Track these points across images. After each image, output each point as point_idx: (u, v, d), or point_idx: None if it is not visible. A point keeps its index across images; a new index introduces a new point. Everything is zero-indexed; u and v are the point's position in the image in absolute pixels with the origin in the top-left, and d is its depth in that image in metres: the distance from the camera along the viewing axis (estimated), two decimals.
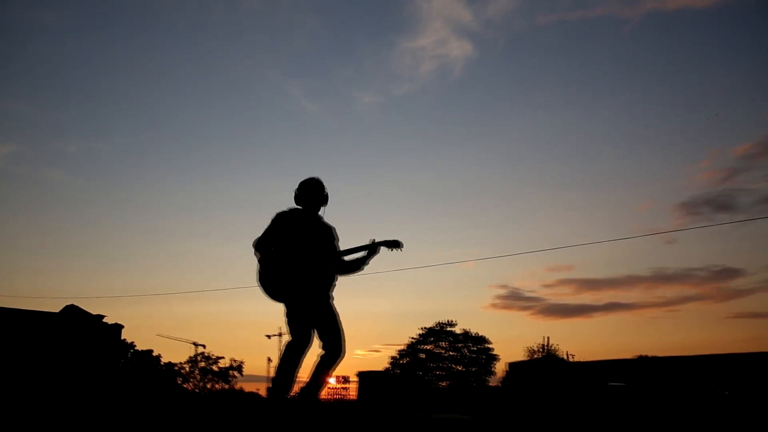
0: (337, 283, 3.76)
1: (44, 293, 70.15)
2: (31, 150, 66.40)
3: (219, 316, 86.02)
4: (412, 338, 42.45)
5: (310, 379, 3.62)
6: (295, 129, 75.03)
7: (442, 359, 40.97)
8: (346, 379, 65.87)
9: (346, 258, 3.82)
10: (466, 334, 41.56)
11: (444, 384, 40.46)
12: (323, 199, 3.80)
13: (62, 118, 67.62)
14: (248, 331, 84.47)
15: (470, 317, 74.10)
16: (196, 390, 46.95)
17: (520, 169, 75.68)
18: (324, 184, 3.83)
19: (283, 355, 3.57)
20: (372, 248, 3.74)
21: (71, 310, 32.33)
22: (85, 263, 71.76)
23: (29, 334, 28.07)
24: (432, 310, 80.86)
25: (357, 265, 3.79)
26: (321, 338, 3.65)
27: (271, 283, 3.59)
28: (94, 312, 32.95)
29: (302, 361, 3.58)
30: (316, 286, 3.61)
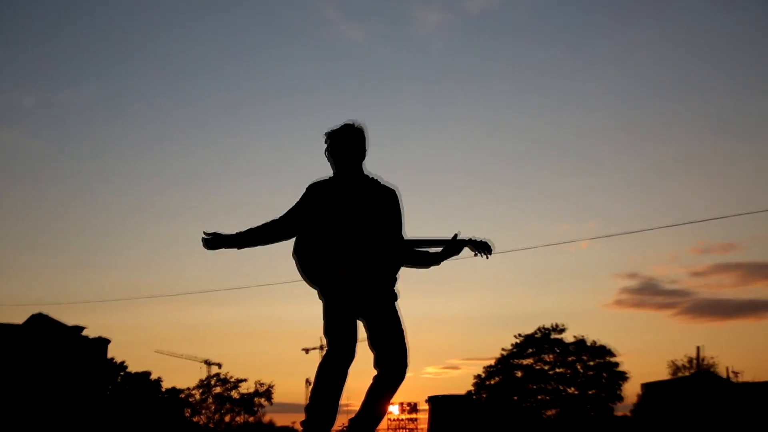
0: (399, 275, 3.84)
1: (2, 299, 73.35)
2: None
3: (238, 325, 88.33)
4: (505, 350, 42.70)
5: (362, 408, 3.70)
6: (334, 64, 74.91)
7: (547, 378, 40.97)
8: (413, 407, 66.62)
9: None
10: (580, 344, 41.40)
11: (551, 413, 40.46)
12: (359, 153, 3.89)
13: (14, 63, 69.95)
14: (279, 344, 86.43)
15: (586, 320, 73.08)
16: (211, 425, 48.23)
17: (652, 111, 73.16)
18: (364, 131, 3.90)
19: (318, 373, 3.66)
20: (453, 246, 3.84)
21: (39, 321, 33.34)
22: (55, 257, 74.78)
23: None
24: (531, 311, 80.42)
25: (428, 261, 3.91)
26: (374, 351, 3.73)
27: (306, 255, 3.71)
28: (69, 322, 33.96)
29: (344, 380, 3.64)
30: (367, 277, 3.69)
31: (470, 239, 3.85)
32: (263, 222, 3.87)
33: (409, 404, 66.88)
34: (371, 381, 3.73)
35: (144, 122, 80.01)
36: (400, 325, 3.75)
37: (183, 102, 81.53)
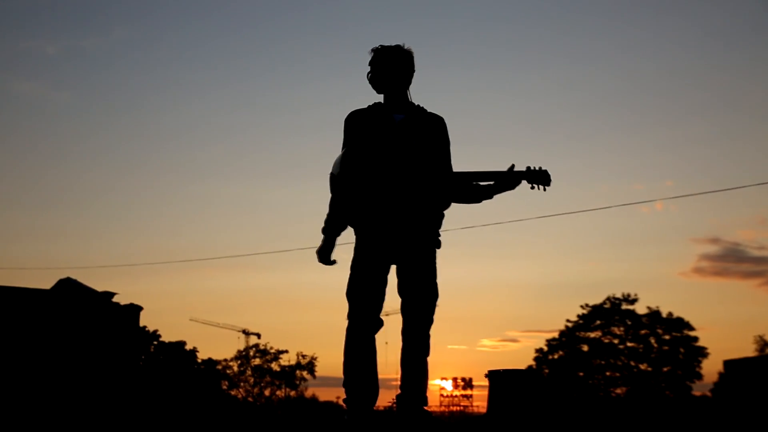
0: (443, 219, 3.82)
1: (28, 262, 75.08)
2: None
3: (278, 293, 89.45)
4: (570, 322, 42.54)
5: (403, 381, 3.74)
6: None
7: (616, 353, 40.75)
8: (468, 383, 66.73)
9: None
10: (654, 316, 41.03)
11: (620, 391, 40.37)
12: (404, 76, 3.87)
13: (35, 10, 70.58)
14: (322, 313, 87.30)
15: (661, 289, 71.87)
16: (249, 398, 48.99)
17: (741, 56, 70.60)
18: (412, 53, 3.90)
19: (345, 344, 3.71)
20: (507, 178, 3.79)
21: (67, 286, 34.05)
22: (83, 218, 76.18)
23: (7, 321, 29.86)
24: (599, 278, 79.67)
25: (478, 195, 3.87)
26: (401, 296, 3.74)
27: (339, 189, 3.75)
28: (99, 288, 34.60)
29: (372, 349, 3.70)
30: (407, 215, 3.69)
31: (527, 169, 3.79)
32: (331, 191, 3.81)
33: (463, 379, 67.22)
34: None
35: (178, 72, 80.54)
36: (435, 274, 3.76)
37: (222, 50, 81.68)
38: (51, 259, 69.46)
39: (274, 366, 50.64)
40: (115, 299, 34.46)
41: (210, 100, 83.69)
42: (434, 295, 3.74)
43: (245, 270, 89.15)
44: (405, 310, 3.74)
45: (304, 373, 50.64)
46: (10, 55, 71.51)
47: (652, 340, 40.55)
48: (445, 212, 3.86)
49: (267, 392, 50.25)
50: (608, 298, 41.88)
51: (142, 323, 38.70)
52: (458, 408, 63.29)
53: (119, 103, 79.43)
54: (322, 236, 3.84)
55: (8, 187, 70.70)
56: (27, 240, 70.03)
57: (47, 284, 34.65)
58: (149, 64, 79.82)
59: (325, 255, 3.84)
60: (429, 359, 3.74)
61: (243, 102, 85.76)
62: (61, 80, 75.65)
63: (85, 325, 31.84)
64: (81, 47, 75.34)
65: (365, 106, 3.93)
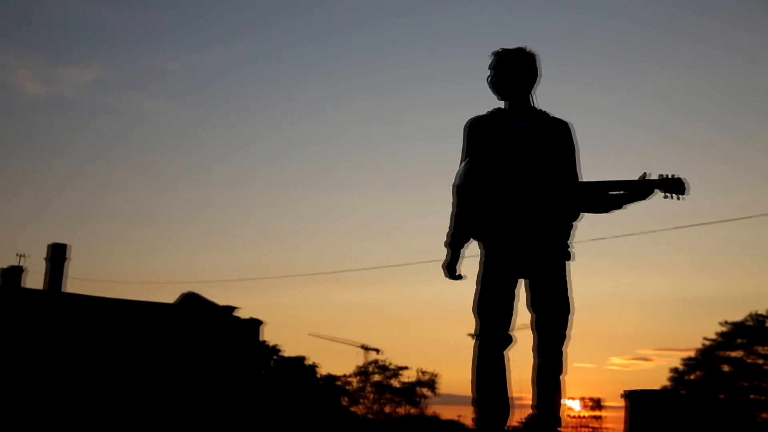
0: (574, 230, 3.78)
1: (153, 276, 78.45)
2: (118, 72, 73.64)
3: (398, 307, 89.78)
4: (708, 340, 41.13)
5: (536, 401, 3.70)
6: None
7: (762, 375, 39.41)
8: (597, 404, 64.97)
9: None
10: None
11: (767, 416, 38.01)
12: (527, 80, 3.83)
13: (157, 25, 73.88)
14: (443, 328, 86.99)
15: None
16: (370, 415, 49.29)
17: None
18: (536, 57, 3.85)
19: (474, 361, 3.70)
20: (639, 188, 3.69)
21: (191, 300, 35.22)
22: (206, 233, 78.89)
23: (135, 334, 31.16)
24: (739, 294, 76.03)
25: (608, 204, 3.78)
26: (532, 312, 3.69)
27: (463, 202, 3.71)
28: (221, 302, 35.60)
29: (503, 366, 3.66)
30: (536, 228, 3.63)
31: (660, 177, 3.67)
32: (456, 203, 3.77)
33: (591, 399, 65.55)
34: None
35: (298, 85, 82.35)
36: (567, 287, 3.71)
37: (340, 63, 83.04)
38: (175, 273, 72.36)
39: (395, 382, 50.91)
40: (236, 313, 35.33)
41: (330, 113, 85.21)
42: (567, 309, 3.68)
43: (365, 284, 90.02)
44: (537, 325, 3.70)
45: (426, 390, 50.64)
46: (132, 73, 75.11)
47: None
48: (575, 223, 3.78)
49: (387, 409, 50.51)
50: (750, 315, 40.27)
51: (263, 337, 39.60)
52: (587, 430, 61.59)
53: (240, 117, 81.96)
54: (446, 250, 3.79)
55: (134, 203, 74.18)
56: (153, 254, 73.17)
57: (171, 298, 35.98)
58: (269, 77, 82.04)
59: (451, 269, 3.77)
60: (561, 378, 3.68)
61: (362, 115, 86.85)
62: (183, 96, 78.82)
63: (207, 340, 32.82)
64: (201, 63, 78.29)
65: (485, 113, 3.88)
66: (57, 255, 34.03)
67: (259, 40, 79.51)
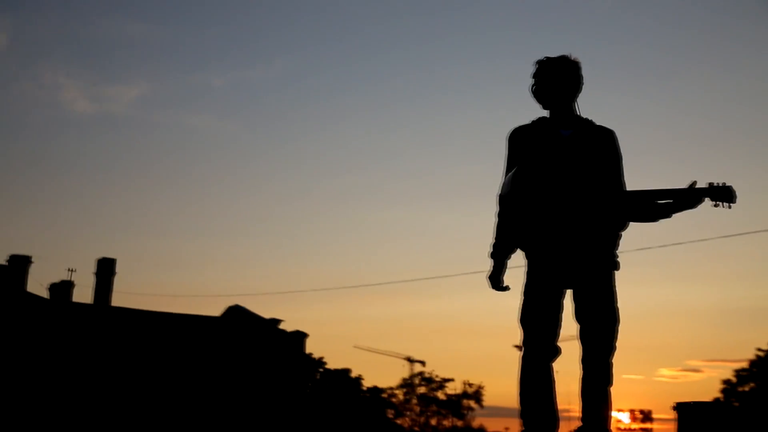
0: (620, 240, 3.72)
1: (199, 290, 79.13)
2: (164, 89, 74.69)
3: (443, 319, 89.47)
4: (761, 351, 40.31)
5: (584, 413, 3.64)
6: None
7: None
8: (646, 416, 63.87)
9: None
10: None
11: None
12: (571, 88, 3.78)
13: (202, 43, 74.73)
14: (488, 340, 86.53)
15: None
16: (415, 427, 49.13)
17: None
18: (579, 64, 3.79)
19: (520, 373, 3.67)
20: (687, 196, 3.60)
21: (236, 313, 35.50)
22: (250, 246, 79.46)
23: (181, 347, 31.48)
24: None
25: (655, 213, 3.71)
26: (578, 322, 3.65)
27: (507, 213, 3.70)
28: (266, 315, 35.84)
29: (550, 378, 3.63)
30: (581, 238, 3.60)
31: (709, 186, 3.57)
32: (500, 213, 3.75)
33: (641, 412, 64.47)
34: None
35: (342, 98, 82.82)
36: (614, 298, 3.65)
37: (385, 76, 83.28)
38: (220, 286, 72.91)
39: (440, 395, 50.70)
40: (281, 326, 35.54)
41: (373, 126, 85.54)
42: (614, 319, 3.63)
43: (409, 296, 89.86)
44: (584, 336, 3.65)
45: (471, 402, 50.37)
46: (178, 89, 76.32)
47: None
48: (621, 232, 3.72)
49: (433, 421, 50.28)
50: None
51: (307, 350, 39.74)
52: None
53: (284, 131, 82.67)
54: (490, 261, 3.76)
55: (180, 216, 75.08)
56: (198, 268, 73.95)
57: (217, 311, 36.35)
58: (313, 91, 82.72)
59: (496, 280, 3.75)
60: (609, 389, 3.62)
61: (405, 127, 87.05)
62: (228, 111, 79.74)
63: (252, 352, 33.01)
64: (246, 78, 79.24)
65: (528, 122, 3.84)
66: (104, 269, 34.58)
67: (304, 55, 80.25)
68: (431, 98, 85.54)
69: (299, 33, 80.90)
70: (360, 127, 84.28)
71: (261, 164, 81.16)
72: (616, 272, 3.67)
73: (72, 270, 34.62)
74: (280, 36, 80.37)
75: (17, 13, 68.41)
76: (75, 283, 34.12)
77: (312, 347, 48.40)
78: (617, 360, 3.64)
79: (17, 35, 69.39)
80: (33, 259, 32.16)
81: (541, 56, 3.81)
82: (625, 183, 3.74)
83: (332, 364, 47.03)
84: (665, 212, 3.70)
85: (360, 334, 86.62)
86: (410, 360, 59.42)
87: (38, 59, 71.12)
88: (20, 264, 31.54)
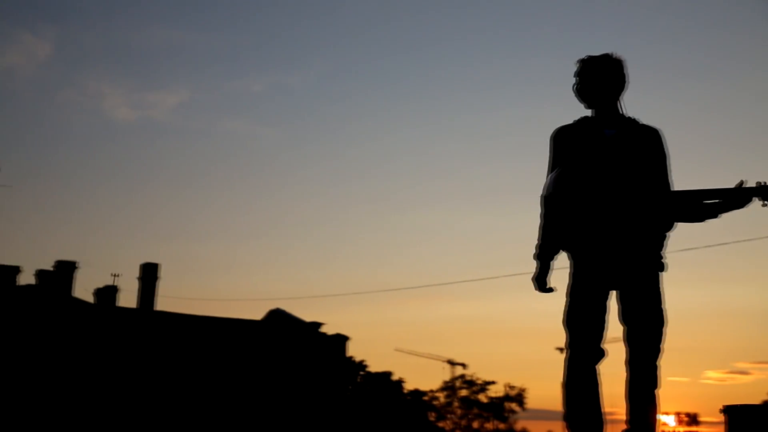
0: (667, 241, 3.68)
1: (240, 293, 79.75)
2: (204, 95, 75.42)
3: (484, 321, 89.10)
4: None
5: (630, 416, 3.60)
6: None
7: None
8: (693, 419, 62.97)
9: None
10: None
11: None
12: (615, 87, 3.74)
13: (241, 48, 75.36)
14: (530, 342, 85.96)
15: None
16: (457, 430, 49.00)
17: None
18: (623, 62, 3.75)
19: (564, 375, 3.65)
20: (735, 196, 3.55)
21: (277, 316, 35.72)
22: (291, 250, 79.91)
23: (223, 351, 31.76)
24: None
25: (701, 214, 3.67)
26: (624, 324, 3.60)
27: (552, 213, 3.68)
28: (307, 318, 36.01)
29: (595, 381, 3.60)
30: (627, 239, 3.55)
31: (758, 185, 3.52)
32: (544, 214, 3.72)
33: (687, 415, 63.56)
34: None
35: (379, 102, 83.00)
36: (661, 300, 3.62)
37: (427, 77, 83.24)
38: (261, 290, 73.43)
39: (482, 397, 50.49)
40: (322, 329, 35.66)
41: (410, 129, 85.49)
42: (661, 321, 3.59)
43: (450, 298, 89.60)
44: (630, 338, 3.61)
45: (514, 405, 50.08)
46: (217, 95, 77.10)
47: None
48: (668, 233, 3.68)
49: (475, 424, 50.11)
50: None
51: (349, 353, 39.85)
52: None
53: (323, 136, 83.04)
54: (535, 262, 3.74)
55: (222, 221, 75.79)
56: (239, 272, 74.57)
57: (258, 315, 36.58)
58: (351, 95, 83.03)
59: (541, 281, 3.74)
60: (656, 392, 3.58)
61: (443, 129, 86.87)
62: (267, 116, 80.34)
63: (294, 356, 33.19)
64: (285, 83, 79.76)
65: (572, 121, 3.82)
66: (148, 274, 35.02)
67: (341, 57, 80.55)
68: (467, 99, 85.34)
69: (335, 37, 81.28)
70: (399, 130, 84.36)
71: (303, 167, 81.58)
72: (662, 273, 3.64)
73: (116, 275, 35.12)
74: (317, 41, 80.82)
75: (61, 24, 69.77)
76: (120, 288, 34.59)
77: (353, 350, 48.63)
78: (664, 362, 3.61)
79: (61, 45, 70.74)
80: (79, 265, 32.59)
81: (581, 53, 3.79)
82: (671, 183, 3.70)
83: (373, 367, 47.14)
84: (713, 212, 3.65)
85: (401, 336, 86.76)
86: (451, 363, 59.36)
87: (81, 68, 72.37)
88: (66, 269, 32.04)
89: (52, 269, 31.80)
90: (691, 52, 79.47)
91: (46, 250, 74.70)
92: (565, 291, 3.67)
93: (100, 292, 34.04)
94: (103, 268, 70.20)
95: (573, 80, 3.81)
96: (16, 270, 31.42)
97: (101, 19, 70.63)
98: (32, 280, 31.31)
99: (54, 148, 69.23)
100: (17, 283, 30.59)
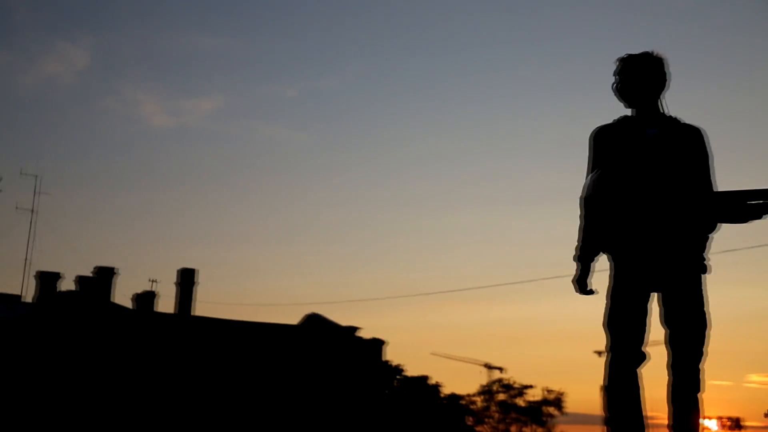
0: (710, 242, 3.64)
1: (277, 298, 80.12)
2: (238, 100, 75.96)
3: (521, 325, 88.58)
4: None
5: (672, 420, 3.58)
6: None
7: None
8: (736, 423, 61.92)
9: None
10: None
11: None
12: (656, 85, 3.69)
13: (274, 54, 75.77)
14: (568, 346, 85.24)
15: None
16: None
17: None
18: (664, 61, 3.72)
19: (605, 379, 3.62)
20: None
21: (314, 321, 35.84)
22: (327, 255, 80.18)
23: (261, 355, 31.93)
24: None
25: (745, 214, 3.61)
26: (666, 328, 3.58)
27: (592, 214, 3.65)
28: (343, 323, 36.08)
29: (636, 384, 3.57)
30: (669, 240, 3.47)
31: None
32: (584, 215, 3.69)
33: (729, 419, 62.54)
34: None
35: (413, 106, 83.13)
36: (704, 302, 3.58)
37: (460, 81, 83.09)
38: (298, 295, 73.82)
39: (520, 401, 50.20)
40: (358, 334, 35.71)
41: (447, 132, 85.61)
42: (704, 324, 3.55)
43: (486, 302, 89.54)
44: (672, 341, 3.58)
45: (552, 409, 49.73)
46: (251, 101, 77.77)
47: None
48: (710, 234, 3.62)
49: (513, 429, 49.80)
50: None
51: (385, 357, 39.84)
52: None
53: (358, 140, 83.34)
54: (575, 265, 3.71)
55: (258, 227, 76.33)
56: (276, 277, 75.08)
57: (295, 319, 36.75)
58: (383, 100, 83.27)
59: (582, 283, 3.70)
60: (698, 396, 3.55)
61: (481, 133, 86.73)
62: (302, 121, 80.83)
63: (331, 360, 33.26)
64: (318, 88, 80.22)
65: (612, 121, 3.78)
66: (186, 280, 35.37)
67: (375, 61, 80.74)
68: (505, 102, 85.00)
69: (369, 41, 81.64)
70: (436, 133, 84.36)
71: (337, 172, 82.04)
72: (705, 275, 3.59)
73: (155, 281, 35.53)
74: (350, 45, 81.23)
75: (98, 32, 70.92)
76: (158, 293, 35.04)
77: (390, 354, 48.60)
78: (706, 365, 3.57)
79: (98, 54, 71.92)
80: (118, 271, 33.05)
81: (615, 56, 3.75)
82: (714, 183, 3.65)
83: (410, 371, 47.14)
84: (757, 213, 3.59)
85: (437, 340, 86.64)
86: (489, 366, 59.10)
87: (118, 76, 73.53)
88: (106, 275, 32.48)
89: (92, 275, 32.26)
90: (740, 49, 78.32)
91: (86, 257, 75.88)
92: (606, 293, 3.63)
93: (138, 298, 34.48)
94: (142, 274, 71.17)
95: (612, 78, 3.76)
96: (56, 276, 31.99)
97: (137, 28, 71.69)
98: (73, 286, 31.81)
99: (93, 156, 70.41)
100: (58, 289, 31.09)
